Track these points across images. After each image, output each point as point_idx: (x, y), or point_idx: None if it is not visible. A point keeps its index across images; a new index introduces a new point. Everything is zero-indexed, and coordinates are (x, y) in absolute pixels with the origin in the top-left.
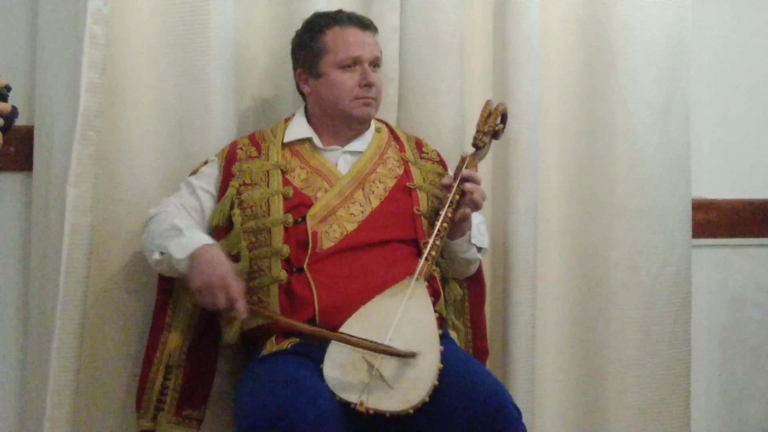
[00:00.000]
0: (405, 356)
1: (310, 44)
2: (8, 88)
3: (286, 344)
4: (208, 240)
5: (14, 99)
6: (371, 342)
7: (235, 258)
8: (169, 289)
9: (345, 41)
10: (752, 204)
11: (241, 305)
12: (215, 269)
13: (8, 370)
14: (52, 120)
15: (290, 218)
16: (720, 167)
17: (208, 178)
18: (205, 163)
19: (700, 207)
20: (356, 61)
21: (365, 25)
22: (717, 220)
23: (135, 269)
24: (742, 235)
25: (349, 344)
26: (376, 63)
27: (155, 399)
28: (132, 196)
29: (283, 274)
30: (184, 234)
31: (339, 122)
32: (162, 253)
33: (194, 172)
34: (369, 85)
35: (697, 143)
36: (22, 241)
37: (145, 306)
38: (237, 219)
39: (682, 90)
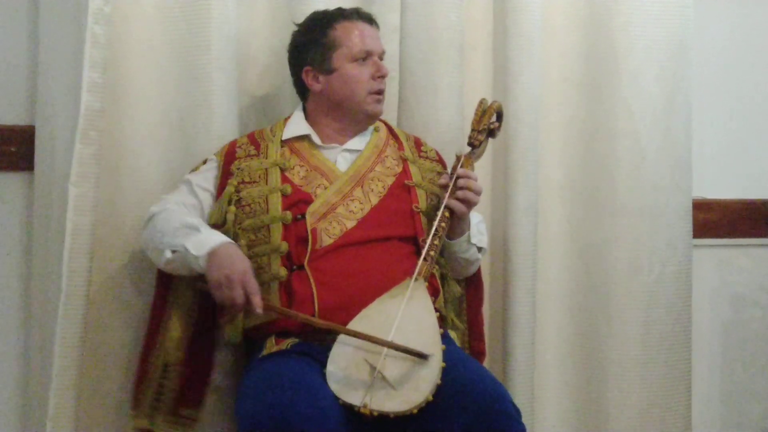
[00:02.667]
0: (419, 356)
1: (320, 40)
2: None
3: (286, 344)
4: (226, 238)
5: (16, 99)
6: (382, 339)
7: None
8: (168, 288)
9: (357, 35)
10: (753, 204)
11: (258, 299)
12: (235, 264)
13: (10, 369)
14: (53, 120)
15: (289, 215)
16: (721, 167)
17: (207, 176)
18: (205, 161)
19: (701, 207)
20: (369, 55)
21: (371, 19)
22: (718, 220)
23: (137, 269)
24: (743, 235)
25: (356, 337)
26: (382, 57)
27: (152, 398)
28: (134, 195)
29: (283, 271)
30: (201, 232)
31: (348, 117)
32: (174, 251)
33: (194, 171)
34: (382, 77)
35: (699, 143)
36: (23, 240)
37: (147, 305)
38: (230, 217)
39: (684, 90)
